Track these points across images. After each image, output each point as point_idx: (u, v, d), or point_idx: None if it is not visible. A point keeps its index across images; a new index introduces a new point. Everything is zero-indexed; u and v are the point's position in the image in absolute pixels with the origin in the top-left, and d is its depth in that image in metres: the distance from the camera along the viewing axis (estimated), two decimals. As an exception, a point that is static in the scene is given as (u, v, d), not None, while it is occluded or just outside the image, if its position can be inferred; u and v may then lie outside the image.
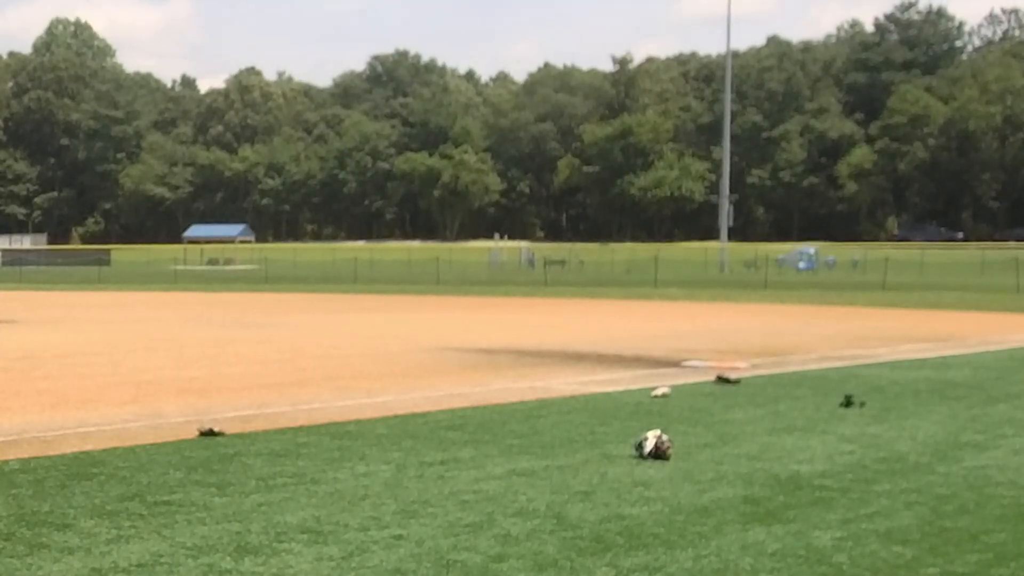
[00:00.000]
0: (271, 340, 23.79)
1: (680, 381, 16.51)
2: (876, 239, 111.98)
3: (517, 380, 16.94)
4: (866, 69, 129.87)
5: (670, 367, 18.80)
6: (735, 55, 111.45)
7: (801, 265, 78.26)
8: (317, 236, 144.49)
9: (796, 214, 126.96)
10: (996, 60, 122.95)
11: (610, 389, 15.71)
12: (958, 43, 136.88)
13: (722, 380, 16.41)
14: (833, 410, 13.84)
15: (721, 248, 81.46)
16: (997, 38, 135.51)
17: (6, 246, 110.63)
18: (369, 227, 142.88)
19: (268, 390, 15.53)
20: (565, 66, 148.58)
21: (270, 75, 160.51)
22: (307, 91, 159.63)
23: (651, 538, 7.76)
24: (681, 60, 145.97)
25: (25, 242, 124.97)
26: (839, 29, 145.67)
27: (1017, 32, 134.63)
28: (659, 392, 14.95)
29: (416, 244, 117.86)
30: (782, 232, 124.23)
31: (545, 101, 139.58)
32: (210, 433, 11.57)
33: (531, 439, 11.63)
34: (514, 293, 47.19)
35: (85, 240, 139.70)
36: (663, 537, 7.79)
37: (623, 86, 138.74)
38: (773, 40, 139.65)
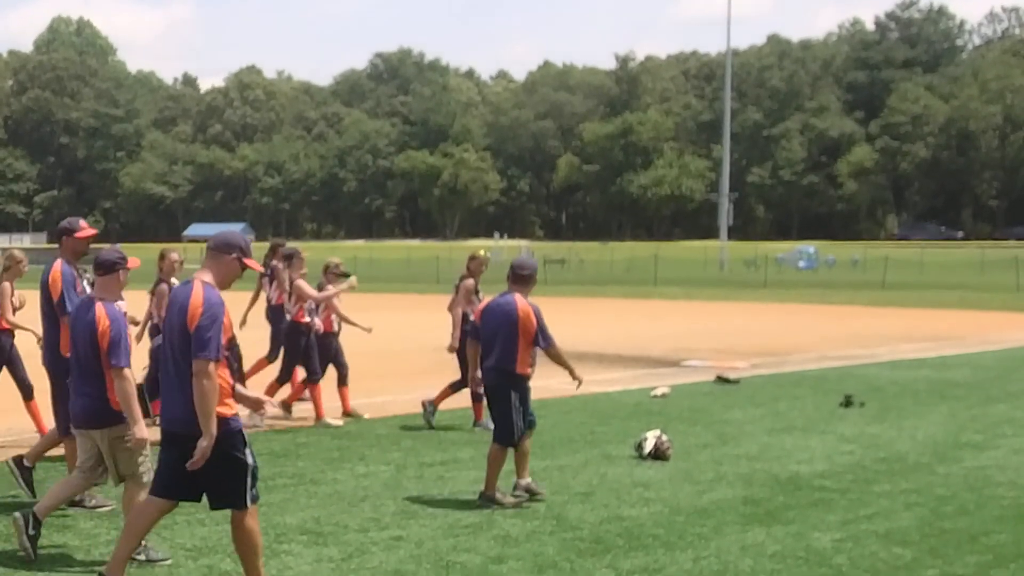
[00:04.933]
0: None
1: (680, 381, 16.52)
2: (876, 238, 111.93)
3: (517, 380, 16.89)
4: (866, 67, 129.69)
5: (670, 367, 18.81)
6: (735, 53, 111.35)
7: (801, 264, 78.18)
8: (317, 235, 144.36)
9: (796, 213, 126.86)
10: (996, 59, 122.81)
11: (610, 389, 15.70)
12: (959, 41, 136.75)
13: (722, 380, 16.42)
14: (833, 410, 13.85)
15: (721, 247, 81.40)
16: (997, 36, 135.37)
17: (6, 245, 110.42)
18: (369, 226, 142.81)
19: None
20: (565, 64, 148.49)
21: (270, 74, 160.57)
22: (307, 89, 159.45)
23: (651, 539, 7.77)
24: (681, 58, 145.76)
25: (25, 241, 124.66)
26: (840, 27, 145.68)
27: (1017, 30, 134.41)
28: (659, 392, 14.96)
29: (416, 243, 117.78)
30: (782, 231, 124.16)
31: (545, 100, 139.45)
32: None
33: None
34: (514, 292, 47.09)
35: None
36: (663, 538, 7.79)
37: (626, 84, 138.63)
38: (773, 38, 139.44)
